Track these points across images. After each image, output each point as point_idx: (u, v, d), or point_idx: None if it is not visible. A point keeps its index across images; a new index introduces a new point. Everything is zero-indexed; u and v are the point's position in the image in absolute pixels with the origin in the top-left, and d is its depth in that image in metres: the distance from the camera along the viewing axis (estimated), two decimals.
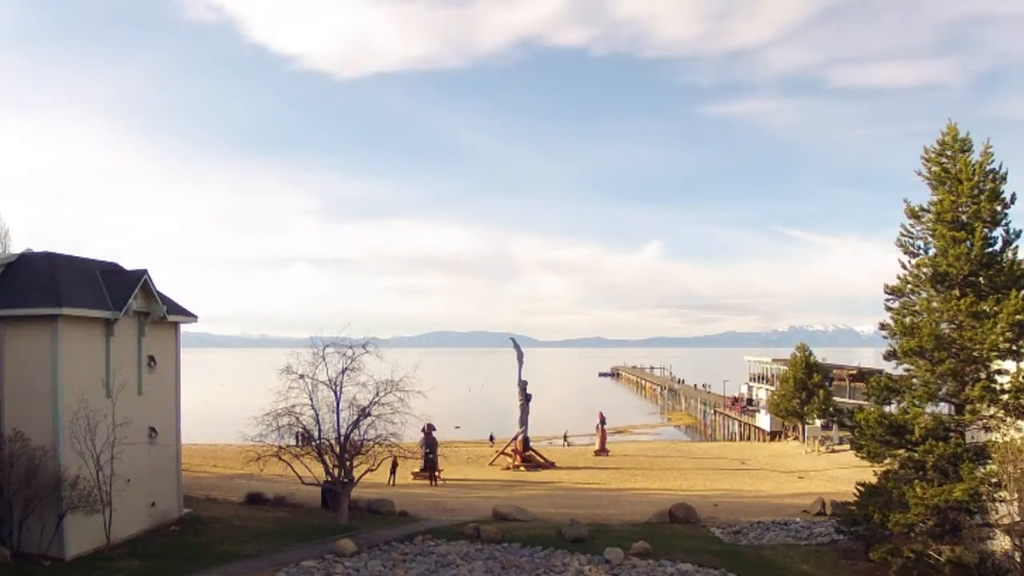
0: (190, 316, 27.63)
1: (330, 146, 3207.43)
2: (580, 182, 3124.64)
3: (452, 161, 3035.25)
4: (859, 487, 24.24)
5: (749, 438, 74.00)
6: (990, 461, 21.15)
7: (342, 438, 27.88)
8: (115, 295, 23.73)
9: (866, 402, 27.80)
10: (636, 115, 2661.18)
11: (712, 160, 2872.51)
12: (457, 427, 68.99)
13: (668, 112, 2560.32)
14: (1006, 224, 23.21)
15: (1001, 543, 21.22)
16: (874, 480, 24.03)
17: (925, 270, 23.62)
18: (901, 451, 23.01)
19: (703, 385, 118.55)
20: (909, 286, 24.17)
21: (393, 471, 40.07)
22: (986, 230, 22.81)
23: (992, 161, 23.16)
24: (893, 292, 24.53)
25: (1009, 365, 22.53)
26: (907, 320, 23.95)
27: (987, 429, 22.57)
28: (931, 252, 23.87)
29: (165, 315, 25.48)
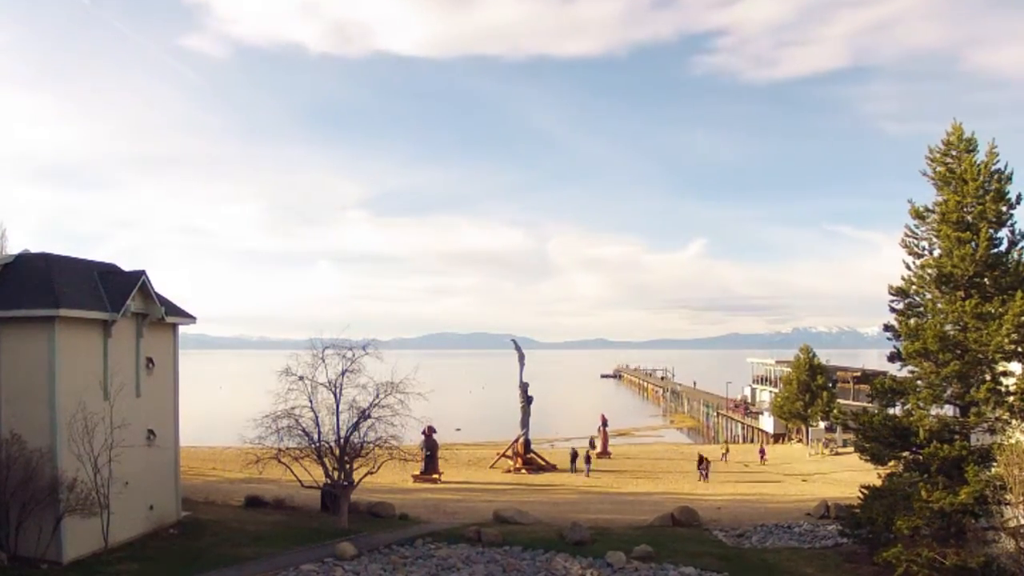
0: (188, 317, 27.50)
1: (387, 133, 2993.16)
2: (650, 175, 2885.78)
3: (519, 151, 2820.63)
4: (863, 490, 24.06)
5: (752, 440, 73.71)
6: (995, 464, 20.95)
7: (342, 440, 27.73)
8: (113, 296, 23.64)
9: (870, 404, 27.62)
10: (738, 100, 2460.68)
11: (794, 151, 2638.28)
12: (458, 429, 68.84)
13: (771, 96, 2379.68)
14: (1011, 225, 23.15)
15: (1006, 546, 20.99)
16: (878, 483, 23.90)
17: (930, 271, 23.48)
18: (905, 453, 22.89)
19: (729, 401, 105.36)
20: (914, 287, 24.02)
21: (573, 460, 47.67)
22: (991, 231, 22.72)
23: (997, 161, 23.03)
24: (898, 293, 24.39)
25: (1015, 367, 22.42)
26: (912, 322, 23.80)
27: (992, 431, 22.43)
28: (936, 253, 23.73)
29: (163, 316, 25.36)
